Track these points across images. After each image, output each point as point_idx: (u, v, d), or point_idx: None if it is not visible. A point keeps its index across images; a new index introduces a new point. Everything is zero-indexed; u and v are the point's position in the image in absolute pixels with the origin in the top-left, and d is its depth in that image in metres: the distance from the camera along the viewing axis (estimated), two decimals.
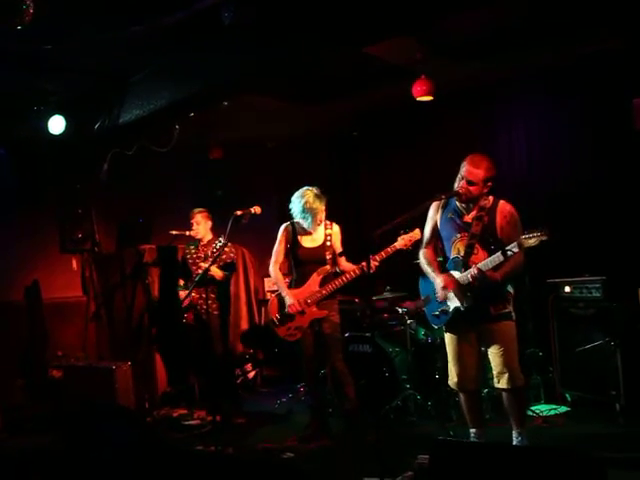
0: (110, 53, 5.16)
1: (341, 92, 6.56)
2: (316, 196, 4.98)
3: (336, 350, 5.06)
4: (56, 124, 6.02)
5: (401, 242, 4.78)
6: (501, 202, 4.09)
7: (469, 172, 3.99)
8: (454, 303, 4.06)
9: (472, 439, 4.25)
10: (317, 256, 5.06)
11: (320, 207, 5.00)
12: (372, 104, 6.99)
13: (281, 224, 5.25)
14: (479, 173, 3.97)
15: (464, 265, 4.01)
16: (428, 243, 4.33)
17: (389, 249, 4.80)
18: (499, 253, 3.83)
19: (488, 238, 4.01)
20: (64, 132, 6.05)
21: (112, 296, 7.21)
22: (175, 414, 6.07)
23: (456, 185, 4.09)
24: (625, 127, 5.56)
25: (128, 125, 5.93)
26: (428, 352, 5.59)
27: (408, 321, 5.62)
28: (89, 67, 5.55)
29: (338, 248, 5.11)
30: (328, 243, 5.08)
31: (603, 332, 5.05)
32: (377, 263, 4.77)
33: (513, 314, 4.10)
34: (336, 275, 5.04)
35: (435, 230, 4.26)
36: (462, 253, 4.05)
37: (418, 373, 5.54)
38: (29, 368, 6.60)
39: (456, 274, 4.05)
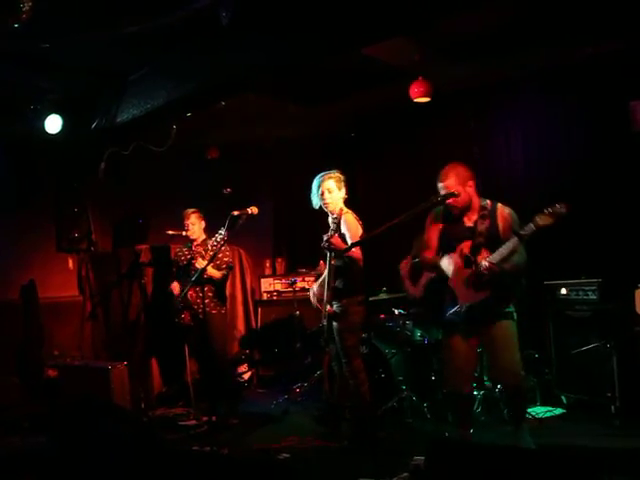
0: (108, 52, 5.15)
1: (339, 93, 6.56)
2: (327, 179, 4.99)
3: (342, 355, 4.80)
4: (53, 123, 6.00)
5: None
6: (499, 205, 4.08)
7: (443, 187, 4.06)
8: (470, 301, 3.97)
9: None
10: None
11: (325, 186, 4.96)
12: (370, 105, 6.99)
13: (278, 224, 5.18)
14: (450, 183, 4.03)
15: (475, 263, 3.93)
16: (428, 249, 4.24)
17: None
18: (514, 238, 3.79)
19: (492, 240, 3.97)
20: (61, 131, 6.03)
21: (108, 296, 7.20)
22: (171, 414, 6.06)
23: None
24: (622, 128, 5.57)
25: (125, 124, 5.91)
26: (424, 353, 5.58)
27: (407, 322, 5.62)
28: (86, 66, 5.54)
29: (348, 238, 4.79)
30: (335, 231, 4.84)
31: (599, 334, 5.06)
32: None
33: (515, 314, 4.04)
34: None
35: (436, 236, 4.19)
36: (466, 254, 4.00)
37: (414, 374, 5.54)
38: (25, 367, 6.58)
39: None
